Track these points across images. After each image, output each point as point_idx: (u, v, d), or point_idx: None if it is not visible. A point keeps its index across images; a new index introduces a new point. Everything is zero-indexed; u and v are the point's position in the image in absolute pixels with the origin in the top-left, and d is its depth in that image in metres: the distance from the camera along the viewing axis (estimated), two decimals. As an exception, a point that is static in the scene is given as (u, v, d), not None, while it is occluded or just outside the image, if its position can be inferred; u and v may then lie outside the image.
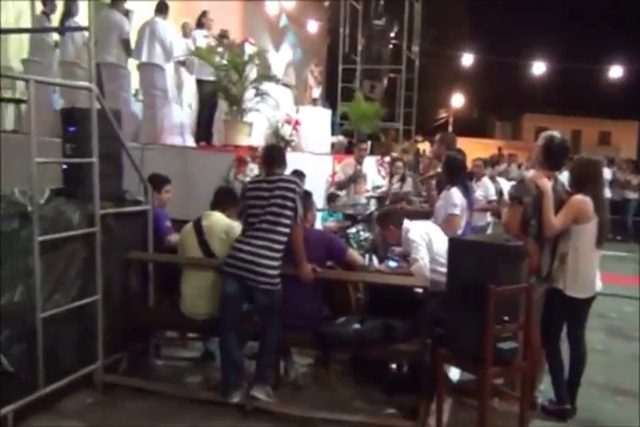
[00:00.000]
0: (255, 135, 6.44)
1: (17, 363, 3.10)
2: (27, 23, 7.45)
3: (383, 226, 4.20)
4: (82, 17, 6.99)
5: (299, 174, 5.24)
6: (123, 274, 3.97)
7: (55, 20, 7.28)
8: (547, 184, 3.51)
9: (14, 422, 3.11)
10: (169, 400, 3.62)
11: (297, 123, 7.54)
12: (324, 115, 9.23)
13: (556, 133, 3.65)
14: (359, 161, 6.87)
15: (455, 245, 3.24)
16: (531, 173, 3.71)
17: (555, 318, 3.59)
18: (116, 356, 3.90)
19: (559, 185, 3.65)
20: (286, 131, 7.22)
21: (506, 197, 6.60)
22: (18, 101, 7.60)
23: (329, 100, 13.17)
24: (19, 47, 7.93)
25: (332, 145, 9.58)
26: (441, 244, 3.89)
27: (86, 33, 4.56)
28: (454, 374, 3.90)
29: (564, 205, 3.50)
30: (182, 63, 7.16)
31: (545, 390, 3.77)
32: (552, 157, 3.61)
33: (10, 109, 7.89)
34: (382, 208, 5.20)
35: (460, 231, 4.32)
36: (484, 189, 6.64)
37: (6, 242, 3.05)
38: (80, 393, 3.64)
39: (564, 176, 3.86)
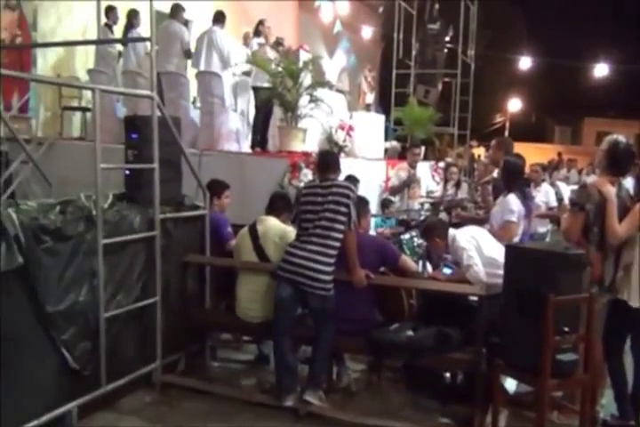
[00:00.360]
0: (309, 141, 6.50)
1: (81, 361, 3.23)
2: (92, 35, 7.80)
3: (428, 239, 4.13)
4: (143, 28, 7.28)
5: (352, 180, 5.25)
6: (180, 277, 4.08)
7: (118, 31, 7.61)
8: (610, 190, 3.39)
9: (78, 417, 3.25)
10: (223, 401, 3.69)
11: (350, 128, 7.55)
12: (378, 120, 9.21)
13: (621, 138, 3.52)
14: (412, 166, 6.82)
15: (513, 253, 3.17)
16: (593, 179, 3.59)
17: (618, 330, 3.45)
18: (173, 356, 4.01)
19: (623, 191, 3.52)
20: (340, 136, 7.25)
21: (566, 202, 6.41)
22: (84, 110, 7.95)
23: (382, 105, 13.12)
24: (85, 58, 8.32)
25: (386, 150, 9.55)
26: (490, 246, 3.82)
27: (148, 43, 4.75)
28: (511, 384, 3.81)
29: (629, 212, 3.37)
30: (247, 74, 7.37)
31: (607, 404, 3.63)
32: (616, 162, 3.48)
33: (76, 118, 8.27)
34: (425, 220, 5.12)
35: (516, 239, 4.22)
36: (545, 194, 6.46)
37: (73, 244, 3.19)
38: (139, 392, 3.75)
39: (629, 182, 3.72)
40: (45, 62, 8.13)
